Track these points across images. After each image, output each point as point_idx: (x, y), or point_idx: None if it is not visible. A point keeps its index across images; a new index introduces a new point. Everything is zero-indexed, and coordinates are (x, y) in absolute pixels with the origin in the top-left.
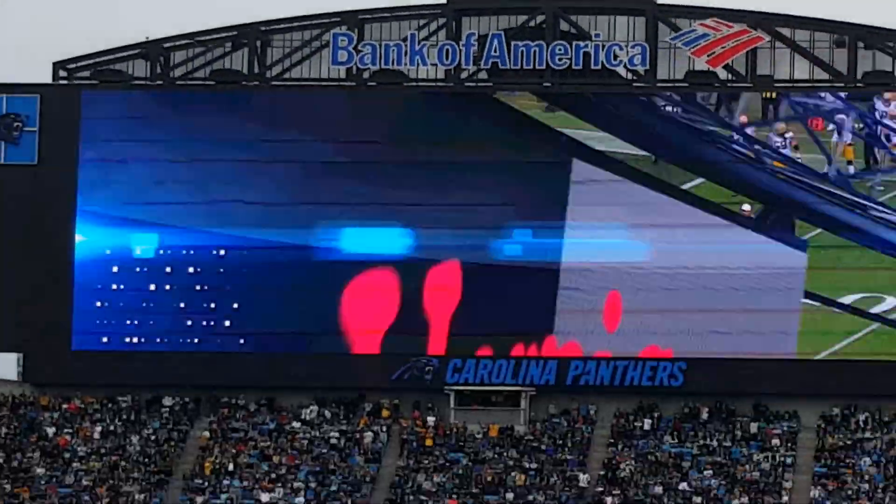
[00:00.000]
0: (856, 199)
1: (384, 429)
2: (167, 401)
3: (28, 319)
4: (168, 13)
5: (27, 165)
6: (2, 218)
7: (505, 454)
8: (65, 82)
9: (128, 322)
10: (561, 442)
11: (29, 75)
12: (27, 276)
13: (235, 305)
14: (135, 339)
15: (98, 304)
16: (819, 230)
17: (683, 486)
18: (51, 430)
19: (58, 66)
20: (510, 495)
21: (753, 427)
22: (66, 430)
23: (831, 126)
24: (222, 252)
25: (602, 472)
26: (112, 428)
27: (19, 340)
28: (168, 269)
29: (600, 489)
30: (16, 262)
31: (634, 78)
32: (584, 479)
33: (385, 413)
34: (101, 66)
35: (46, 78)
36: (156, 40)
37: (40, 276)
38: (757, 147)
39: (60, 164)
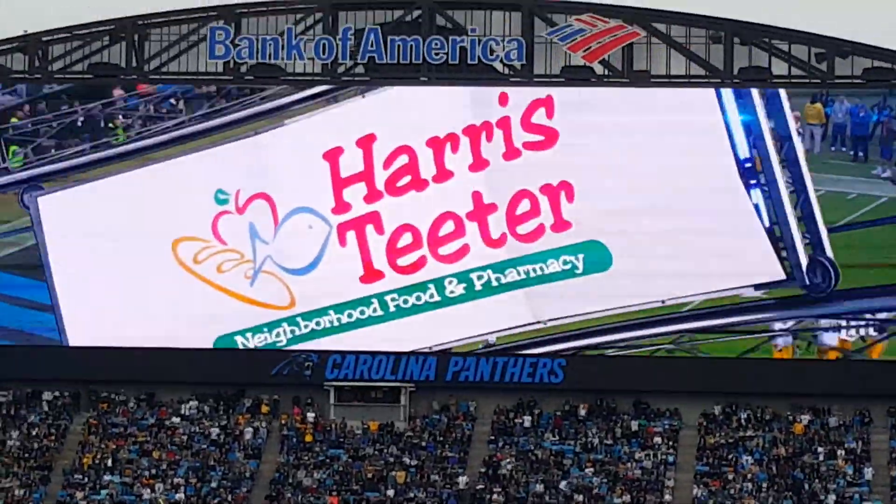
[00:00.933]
0: None
1: (264, 425)
2: (47, 395)
3: None
4: (46, 7)
5: None
6: None
7: (385, 451)
8: None
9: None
10: (441, 439)
11: None
12: None
13: None
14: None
15: None
16: None
17: (564, 484)
18: None
19: None
20: (391, 492)
21: (634, 425)
22: None
23: None
24: None
25: (483, 470)
26: None
27: None
28: None
29: (481, 486)
30: None
31: (511, 73)
32: (464, 477)
33: (265, 409)
34: None
35: None
36: (34, 34)
37: None
38: None
39: None
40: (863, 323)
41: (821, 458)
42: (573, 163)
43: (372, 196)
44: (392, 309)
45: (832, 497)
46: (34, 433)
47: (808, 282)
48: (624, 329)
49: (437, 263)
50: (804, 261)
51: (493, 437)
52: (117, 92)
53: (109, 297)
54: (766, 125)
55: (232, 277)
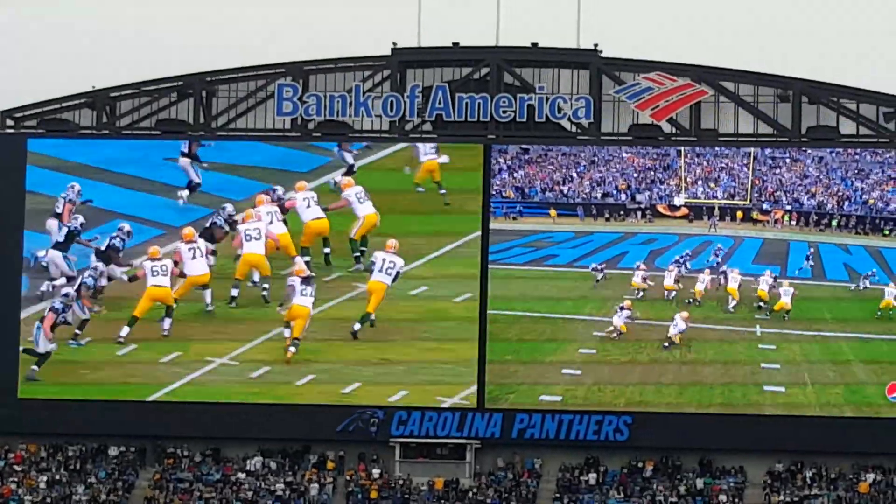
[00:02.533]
0: None
1: (330, 481)
2: (113, 450)
3: None
4: (114, 63)
5: None
6: None
7: None
8: (11, 131)
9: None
10: (507, 496)
11: None
12: None
13: None
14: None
15: None
16: None
17: None
18: None
19: (5, 114)
20: None
21: (699, 483)
22: (10, 480)
23: None
24: None
25: None
26: (58, 477)
27: None
28: None
29: None
30: None
31: (579, 131)
32: None
33: (330, 465)
34: (48, 114)
35: None
36: (102, 89)
37: None
38: None
39: (7, 211)
40: None
41: None
42: None
43: None
44: None
45: None
46: (100, 488)
47: None
48: None
49: None
50: None
51: (558, 495)
52: None
53: None
54: None
55: None
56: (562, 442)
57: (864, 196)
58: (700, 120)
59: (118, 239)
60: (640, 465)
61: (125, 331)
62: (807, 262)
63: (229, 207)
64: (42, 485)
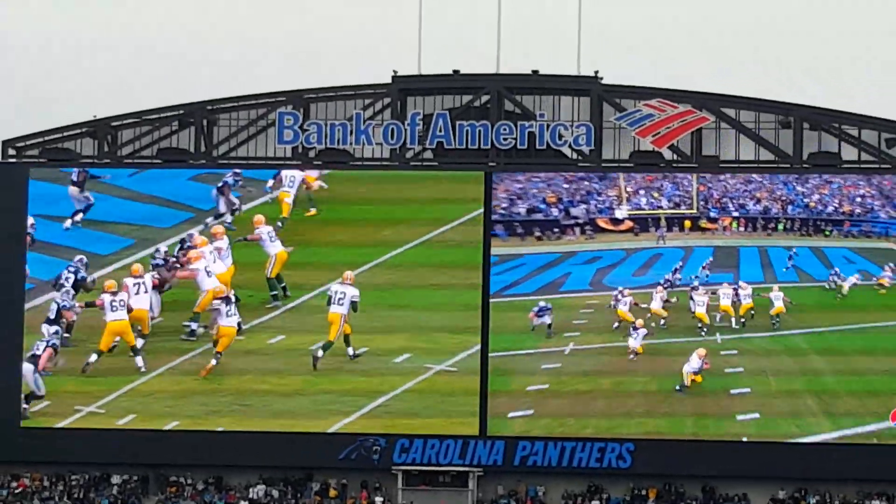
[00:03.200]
0: None
1: None
2: (116, 479)
3: None
4: (116, 92)
5: None
6: None
7: None
8: (13, 160)
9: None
10: None
11: None
12: None
13: None
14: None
15: None
16: None
17: None
18: None
19: (6, 144)
20: None
21: None
22: None
23: None
24: None
25: None
26: None
27: None
28: None
29: None
30: None
31: (580, 158)
32: None
33: (333, 493)
34: (50, 144)
35: None
36: (103, 119)
37: None
38: None
39: (9, 240)
40: None
41: None
42: None
43: None
44: None
45: None
46: None
47: None
48: None
49: None
50: None
51: None
52: None
53: None
54: None
55: None
56: (564, 469)
57: (805, 200)
58: (701, 146)
59: (76, 270)
60: (643, 492)
61: (93, 357)
62: (790, 263)
63: (163, 248)
64: None
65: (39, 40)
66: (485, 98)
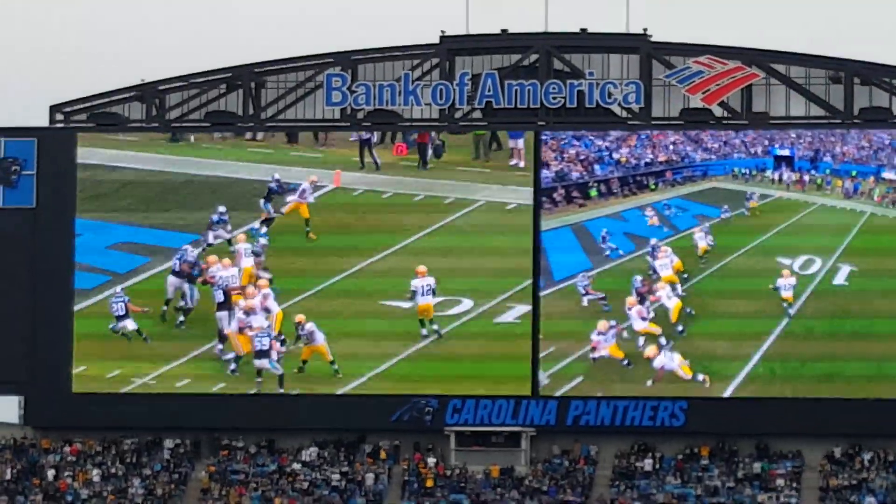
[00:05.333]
0: None
1: (385, 470)
2: (168, 443)
3: (28, 362)
4: (163, 56)
5: (25, 209)
6: (1, 260)
7: (506, 495)
8: (61, 125)
9: None
10: (563, 483)
11: (26, 119)
12: (27, 319)
13: None
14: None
15: None
16: None
17: None
18: (50, 474)
19: (54, 109)
20: None
21: (756, 467)
22: (66, 474)
23: None
24: None
25: None
26: (113, 471)
27: (20, 383)
28: None
29: None
30: (15, 304)
31: (629, 116)
32: None
33: (382, 454)
34: (97, 108)
35: (43, 121)
36: (151, 83)
37: (40, 319)
38: None
39: (58, 207)
40: None
41: None
42: None
43: None
44: None
45: None
46: (156, 481)
47: None
48: None
49: None
50: None
51: (614, 481)
52: None
53: None
54: None
55: None
56: (617, 428)
57: (614, 156)
58: (751, 103)
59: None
60: (696, 450)
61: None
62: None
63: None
64: (96, 478)
65: (86, 4)
66: (533, 57)
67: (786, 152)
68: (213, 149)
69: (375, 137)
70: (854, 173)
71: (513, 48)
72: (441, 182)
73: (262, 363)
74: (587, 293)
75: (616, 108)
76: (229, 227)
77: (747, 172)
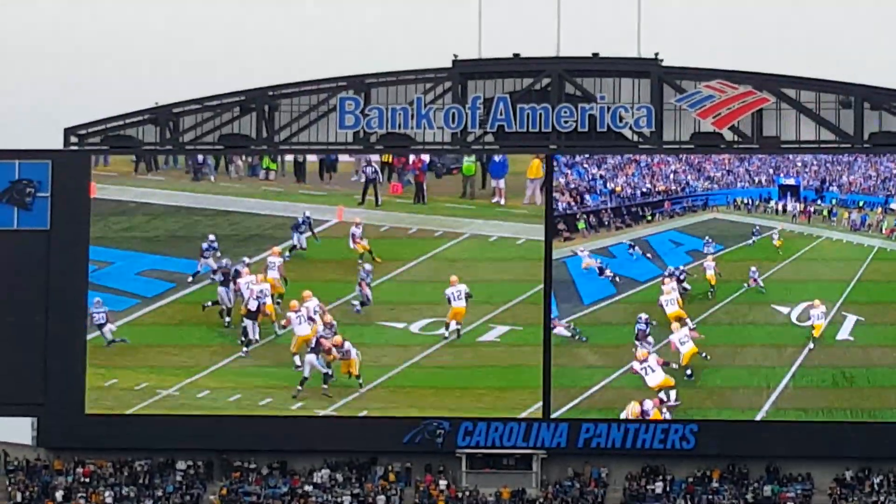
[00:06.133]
0: None
1: (397, 492)
2: (180, 464)
3: (42, 384)
4: (177, 79)
5: (39, 231)
6: (15, 282)
7: None
8: (75, 148)
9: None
10: None
11: (40, 141)
12: (40, 341)
13: None
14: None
15: None
16: None
17: None
18: (59, 495)
19: (69, 132)
20: None
21: (767, 490)
22: (79, 495)
23: None
24: None
25: None
26: (125, 492)
27: (33, 405)
28: None
29: None
30: (30, 326)
31: (640, 140)
32: None
33: (391, 476)
34: (112, 131)
35: (58, 144)
36: (165, 106)
37: (53, 341)
38: None
39: (72, 229)
40: None
41: None
42: None
43: None
44: None
45: None
46: (168, 502)
47: None
48: None
49: None
50: None
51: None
52: None
53: None
54: None
55: None
56: (628, 451)
57: (608, 185)
58: (762, 127)
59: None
60: (706, 473)
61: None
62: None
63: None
64: (108, 500)
65: (101, 27)
66: (545, 81)
67: (791, 181)
68: (230, 187)
69: (381, 177)
70: (861, 203)
71: (525, 72)
72: (431, 217)
73: (311, 358)
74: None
75: (627, 132)
76: (219, 255)
77: (750, 202)
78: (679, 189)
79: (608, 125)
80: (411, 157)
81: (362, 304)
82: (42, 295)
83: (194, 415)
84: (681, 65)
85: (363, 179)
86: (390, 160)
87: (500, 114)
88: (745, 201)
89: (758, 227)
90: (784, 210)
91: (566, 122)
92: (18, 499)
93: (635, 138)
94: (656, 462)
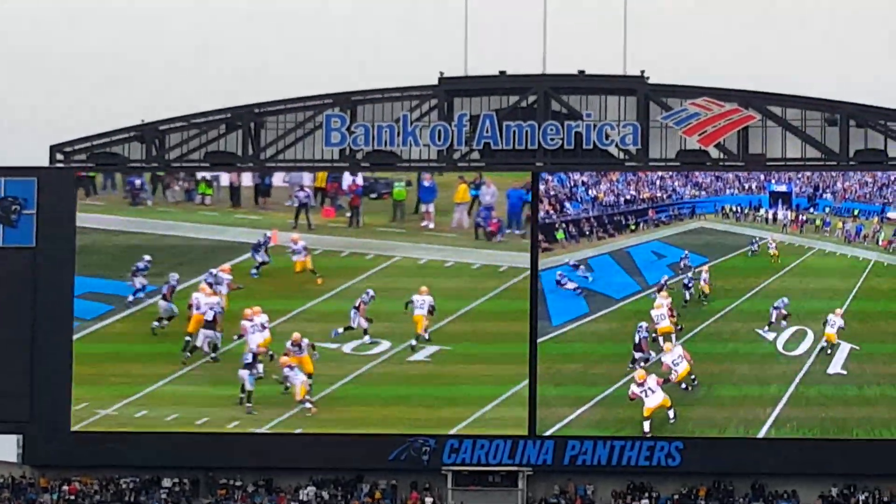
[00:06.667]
0: None
1: None
2: (166, 482)
3: (28, 401)
4: (163, 96)
5: (25, 248)
6: (1, 299)
7: None
8: (61, 165)
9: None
10: None
11: (26, 159)
12: (26, 358)
13: None
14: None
15: None
16: None
17: None
18: None
19: (55, 149)
20: None
21: None
22: None
23: None
24: None
25: None
26: None
27: (19, 422)
28: None
29: None
30: (15, 343)
31: (626, 157)
32: None
33: (377, 494)
34: (98, 149)
35: (43, 161)
36: (151, 123)
37: (40, 357)
38: None
39: (58, 246)
40: None
41: None
42: None
43: None
44: None
45: None
46: None
47: None
48: None
49: None
50: None
51: None
52: None
53: None
54: None
55: None
56: (614, 468)
57: (591, 193)
58: (748, 145)
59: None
60: (692, 490)
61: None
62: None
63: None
64: None
65: (87, 44)
66: (531, 98)
67: (783, 188)
68: (167, 212)
69: (313, 201)
70: (856, 212)
71: (511, 89)
72: (362, 240)
73: (244, 373)
74: None
75: (613, 150)
76: (148, 274)
77: (739, 210)
78: (665, 196)
79: (594, 143)
80: (346, 182)
81: (346, 328)
82: (28, 312)
83: (179, 432)
84: (667, 82)
85: (296, 204)
86: (324, 185)
87: (487, 131)
88: (735, 209)
89: (757, 239)
90: (775, 219)
91: (552, 139)
92: None
93: (621, 156)
94: (642, 479)
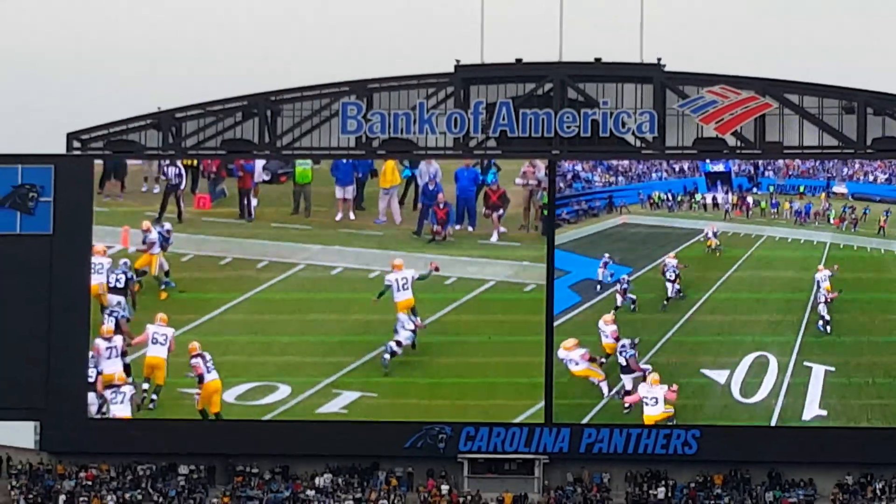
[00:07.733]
0: None
1: (399, 497)
2: (183, 469)
3: (45, 388)
4: (180, 84)
5: (42, 235)
6: (18, 287)
7: None
8: (78, 152)
9: None
10: None
11: (43, 146)
12: (43, 345)
13: None
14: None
15: None
16: None
17: None
18: (62, 499)
19: (72, 136)
20: None
21: (769, 496)
22: (82, 499)
23: None
24: None
25: None
26: (128, 497)
27: (37, 409)
28: None
29: None
30: (32, 330)
31: (643, 145)
32: None
33: (393, 482)
34: (115, 136)
35: (60, 148)
36: (168, 110)
37: (56, 345)
38: None
39: (75, 234)
40: None
41: None
42: None
43: None
44: None
45: None
46: None
47: None
48: None
49: None
50: None
51: None
52: None
53: None
54: None
55: None
56: (630, 456)
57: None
58: (765, 133)
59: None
60: (708, 478)
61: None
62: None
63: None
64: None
65: (104, 32)
66: (548, 86)
67: (720, 167)
68: None
69: (184, 185)
70: (802, 188)
71: (527, 77)
72: (252, 242)
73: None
74: None
75: (630, 138)
76: None
77: (670, 198)
78: (565, 186)
79: (611, 130)
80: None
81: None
82: (45, 299)
83: (196, 420)
84: (684, 70)
85: (157, 190)
86: (194, 163)
87: (503, 119)
88: (665, 197)
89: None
90: (715, 204)
91: (569, 127)
92: (21, 503)
93: (638, 144)
94: (658, 467)
